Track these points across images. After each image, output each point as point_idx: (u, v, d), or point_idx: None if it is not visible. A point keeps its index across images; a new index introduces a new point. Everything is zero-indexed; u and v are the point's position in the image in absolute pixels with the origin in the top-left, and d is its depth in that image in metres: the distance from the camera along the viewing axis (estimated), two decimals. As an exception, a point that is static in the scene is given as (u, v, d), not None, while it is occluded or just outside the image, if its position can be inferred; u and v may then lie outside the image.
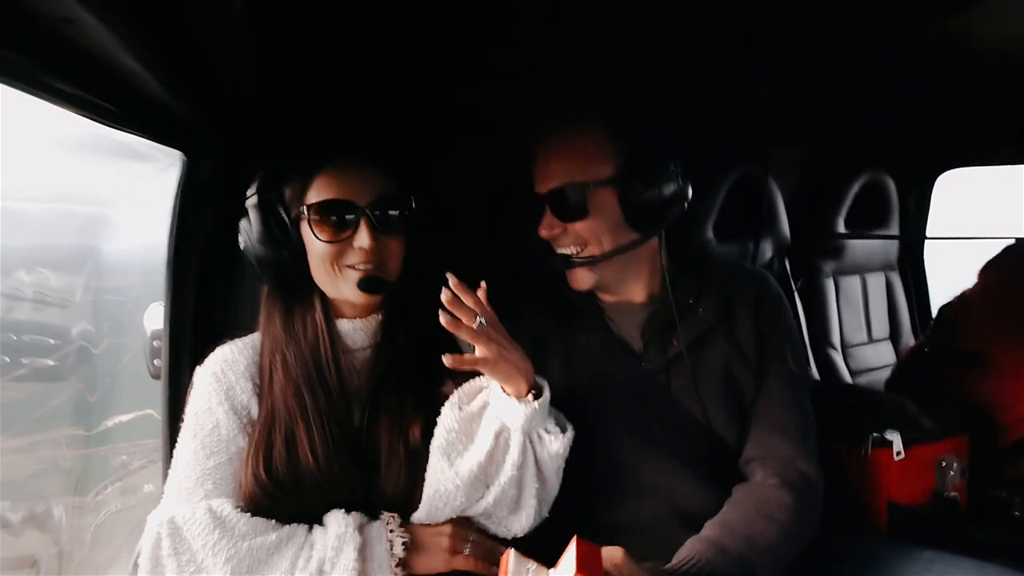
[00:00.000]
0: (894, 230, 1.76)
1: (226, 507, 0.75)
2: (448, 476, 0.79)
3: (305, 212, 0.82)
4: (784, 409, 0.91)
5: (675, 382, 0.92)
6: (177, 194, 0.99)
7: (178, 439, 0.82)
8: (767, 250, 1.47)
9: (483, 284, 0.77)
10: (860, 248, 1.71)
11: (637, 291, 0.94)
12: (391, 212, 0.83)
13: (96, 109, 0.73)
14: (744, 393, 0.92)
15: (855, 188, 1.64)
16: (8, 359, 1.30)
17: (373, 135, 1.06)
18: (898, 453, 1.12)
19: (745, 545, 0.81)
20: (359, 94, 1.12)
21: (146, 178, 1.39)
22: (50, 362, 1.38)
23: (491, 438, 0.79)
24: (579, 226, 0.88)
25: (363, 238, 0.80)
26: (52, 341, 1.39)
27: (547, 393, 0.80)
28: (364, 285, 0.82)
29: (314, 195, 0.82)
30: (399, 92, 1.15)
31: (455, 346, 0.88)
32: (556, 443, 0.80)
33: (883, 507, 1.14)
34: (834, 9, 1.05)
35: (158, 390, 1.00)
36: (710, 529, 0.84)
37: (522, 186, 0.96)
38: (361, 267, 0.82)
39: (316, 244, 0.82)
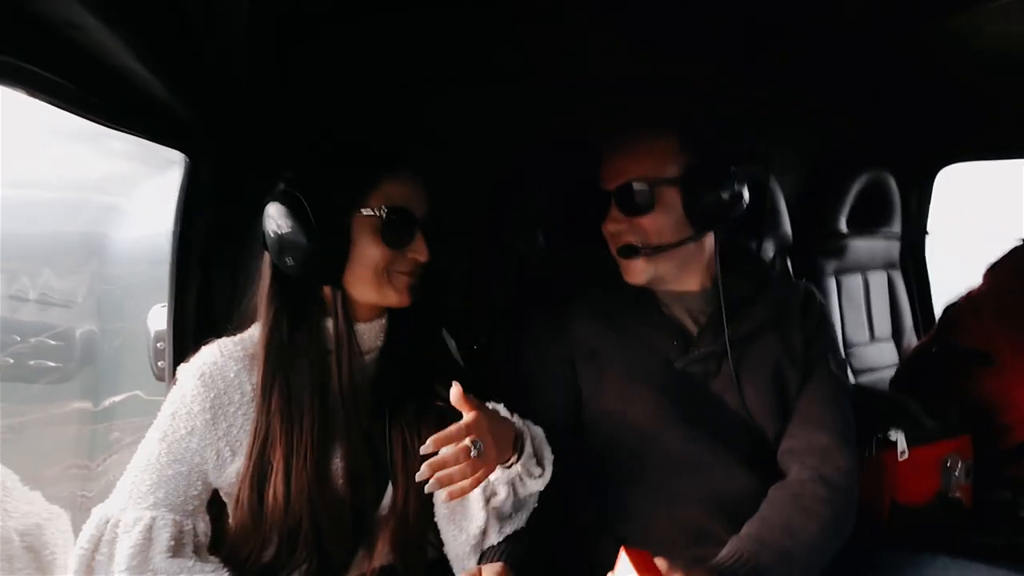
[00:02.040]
0: (896, 228, 1.75)
1: (163, 534, 0.75)
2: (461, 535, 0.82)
3: (376, 213, 0.80)
4: (824, 406, 0.95)
5: (724, 370, 0.95)
6: (180, 195, 0.99)
7: (147, 435, 0.81)
8: (769, 250, 1.46)
9: (456, 386, 0.73)
10: (862, 247, 1.71)
11: (692, 283, 0.98)
12: (440, 226, 0.85)
13: (98, 110, 0.74)
14: (789, 389, 0.96)
15: (856, 187, 1.64)
16: (12, 360, 1.31)
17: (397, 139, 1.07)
18: (902, 453, 1.12)
19: (785, 537, 0.83)
20: (358, 94, 1.13)
21: (154, 170, 1.39)
22: (52, 363, 1.39)
23: (480, 496, 0.81)
24: (643, 220, 0.92)
25: (421, 250, 0.82)
26: (54, 343, 1.39)
27: (528, 448, 0.81)
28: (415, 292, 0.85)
29: (385, 199, 0.81)
30: (398, 92, 1.16)
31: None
32: (536, 484, 0.82)
33: (887, 508, 1.14)
34: (834, 9, 1.05)
35: (150, 374, 1.03)
36: (750, 527, 0.86)
37: (581, 184, 1.00)
38: (410, 275, 0.83)
39: (372, 248, 0.81)
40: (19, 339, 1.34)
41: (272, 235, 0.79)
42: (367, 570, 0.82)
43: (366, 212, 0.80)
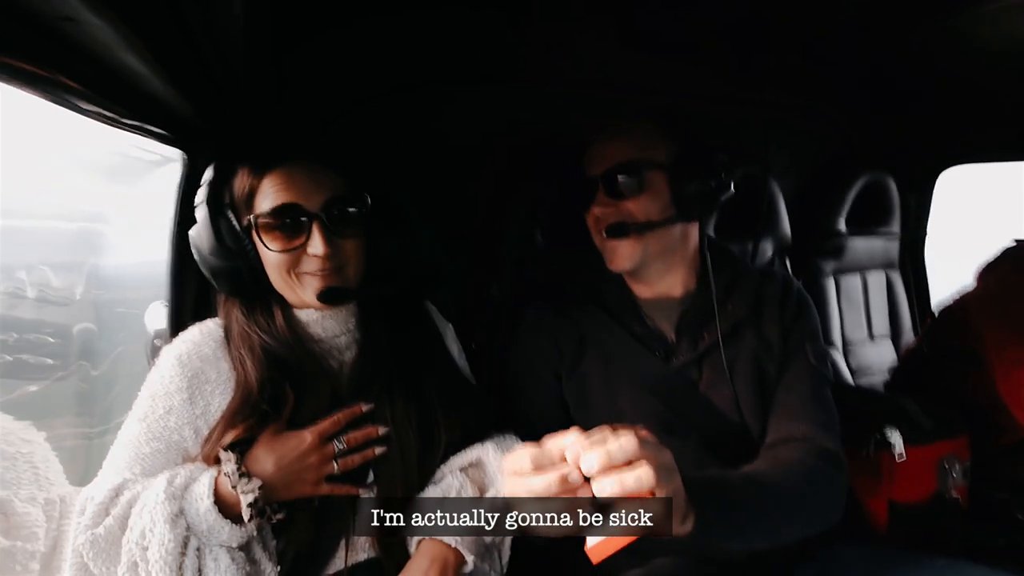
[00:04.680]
0: (895, 229, 1.75)
1: (128, 493, 0.73)
2: None
3: (254, 221, 0.78)
4: (802, 399, 0.92)
5: (706, 375, 0.94)
6: (178, 193, 0.99)
7: (128, 415, 0.80)
8: (767, 249, 1.46)
9: None
10: (861, 247, 1.71)
11: (675, 285, 0.96)
12: (345, 212, 0.79)
13: (96, 108, 0.73)
14: (769, 384, 0.94)
15: (856, 187, 1.64)
16: (9, 357, 1.31)
17: (344, 135, 1.05)
18: (900, 454, 1.12)
19: (748, 481, 0.80)
20: (355, 95, 1.13)
21: (139, 194, 1.39)
22: (50, 361, 1.39)
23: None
24: (631, 204, 0.90)
25: (317, 244, 0.76)
26: (52, 340, 1.39)
27: None
28: (324, 297, 0.79)
29: (262, 201, 0.78)
30: (394, 93, 1.15)
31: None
32: None
33: (884, 508, 1.14)
34: (833, 9, 1.05)
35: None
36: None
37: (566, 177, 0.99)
38: (319, 274, 0.79)
39: (269, 254, 0.78)
40: (16, 335, 1.33)
41: (196, 260, 0.82)
42: (346, 564, 0.80)
43: (252, 217, 0.78)
